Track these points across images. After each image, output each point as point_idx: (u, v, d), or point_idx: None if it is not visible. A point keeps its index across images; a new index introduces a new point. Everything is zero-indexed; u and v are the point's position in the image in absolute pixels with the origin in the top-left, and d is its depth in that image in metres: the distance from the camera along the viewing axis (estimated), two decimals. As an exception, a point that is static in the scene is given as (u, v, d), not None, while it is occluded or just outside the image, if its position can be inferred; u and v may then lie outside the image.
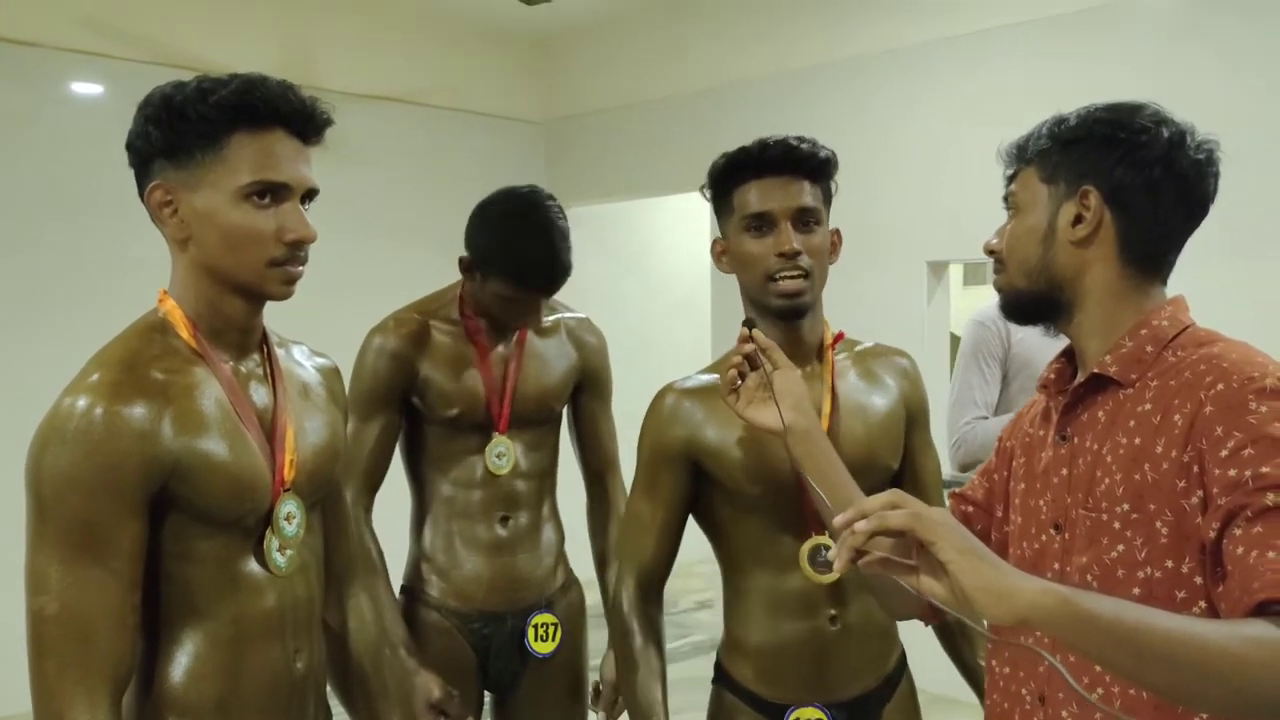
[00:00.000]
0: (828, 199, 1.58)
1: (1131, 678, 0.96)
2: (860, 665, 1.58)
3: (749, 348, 1.45)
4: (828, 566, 1.52)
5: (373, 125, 5.01)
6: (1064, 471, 1.17)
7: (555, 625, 2.02)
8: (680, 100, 5.11)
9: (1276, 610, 0.91)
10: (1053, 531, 1.17)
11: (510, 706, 2.06)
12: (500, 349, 2.00)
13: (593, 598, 2.05)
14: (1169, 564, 1.05)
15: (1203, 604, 1.03)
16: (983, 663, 1.40)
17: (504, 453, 1.98)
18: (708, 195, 1.60)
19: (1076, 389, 1.17)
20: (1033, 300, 1.19)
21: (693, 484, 1.59)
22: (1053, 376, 1.23)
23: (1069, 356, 1.23)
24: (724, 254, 1.59)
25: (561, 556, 2.11)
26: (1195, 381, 1.06)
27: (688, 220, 6.14)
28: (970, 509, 1.32)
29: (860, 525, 0.95)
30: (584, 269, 7.22)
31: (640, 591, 1.62)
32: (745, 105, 4.79)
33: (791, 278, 1.50)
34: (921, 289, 4.35)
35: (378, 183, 5.10)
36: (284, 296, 1.27)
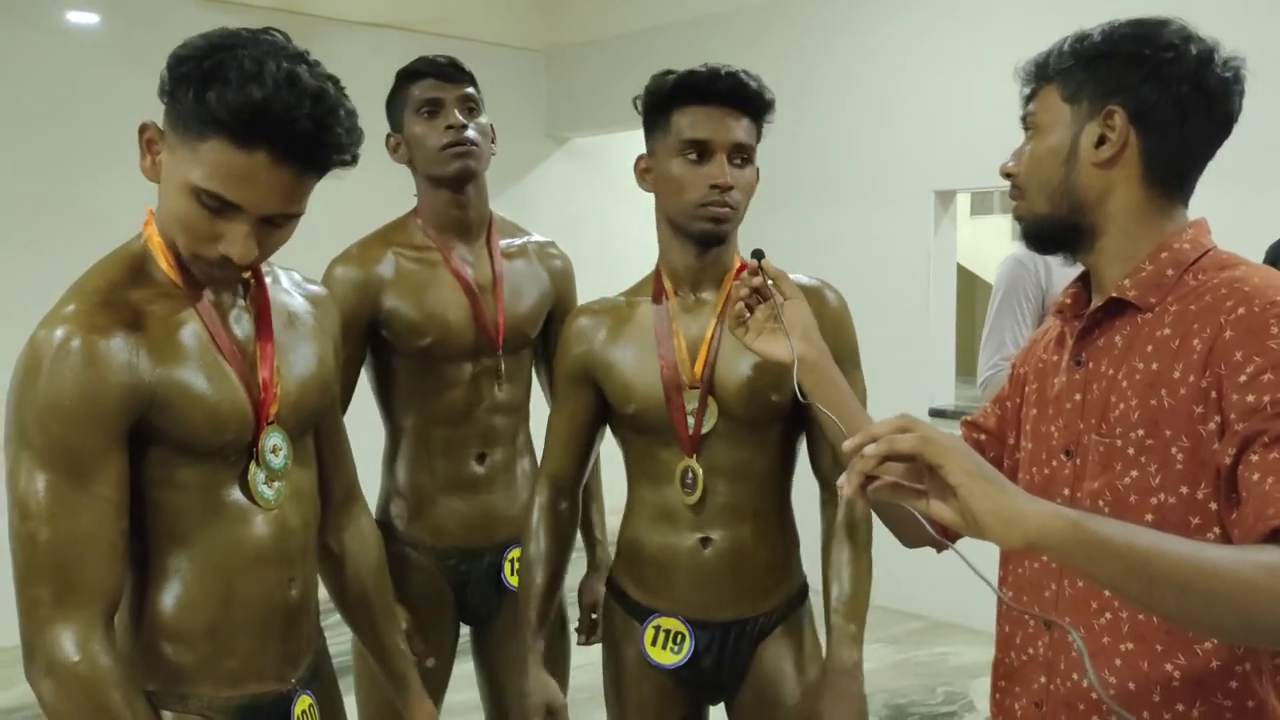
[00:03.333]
0: (759, 139, 1.61)
1: (1141, 603, 0.95)
2: (735, 593, 1.63)
3: (757, 280, 1.43)
4: (691, 489, 1.59)
5: (366, 54, 4.87)
6: (1077, 397, 1.16)
7: None
8: (688, 26, 5.00)
9: None
10: (1063, 457, 1.16)
11: (488, 639, 2.07)
12: (473, 272, 1.95)
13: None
14: (1183, 490, 1.04)
15: (1216, 530, 1.03)
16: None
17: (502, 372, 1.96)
18: (639, 108, 1.60)
19: (1094, 313, 1.15)
20: (1054, 227, 1.16)
21: (599, 399, 1.68)
22: (1068, 301, 1.21)
23: (1085, 281, 1.21)
24: (648, 172, 1.60)
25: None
26: (1216, 305, 1.05)
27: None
28: (983, 437, 1.31)
29: (869, 449, 0.94)
30: (580, 200, 7.06)
31: (551, 495, 1.74)
32: (751, 32, 4.69)
33: (719, 208, 1.53)
34: (928, 219, 4.30)
35: (371, 115, 4.99)
36: (206, 283, 1.25)
